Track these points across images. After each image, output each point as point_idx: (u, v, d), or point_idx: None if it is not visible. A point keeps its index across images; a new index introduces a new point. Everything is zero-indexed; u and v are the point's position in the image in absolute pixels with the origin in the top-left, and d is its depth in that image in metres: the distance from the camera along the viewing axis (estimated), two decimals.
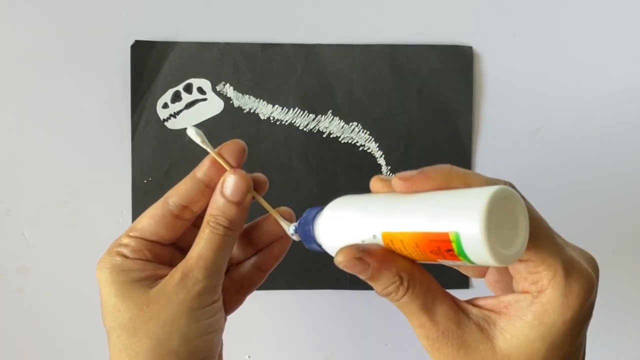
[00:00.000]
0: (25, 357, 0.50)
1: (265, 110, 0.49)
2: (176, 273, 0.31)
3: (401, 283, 0.27)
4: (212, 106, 0.49)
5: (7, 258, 0.49)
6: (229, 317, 0.36)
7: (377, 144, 0.49)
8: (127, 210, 0.49)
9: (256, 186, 0.34)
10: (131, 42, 0.49)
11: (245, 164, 0.49)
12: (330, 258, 0.50)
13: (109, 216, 0.49)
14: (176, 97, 0.49)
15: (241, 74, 0.49)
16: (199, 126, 0.49)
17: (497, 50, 0.50)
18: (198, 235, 0.32)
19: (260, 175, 0.35)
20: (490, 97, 0.50)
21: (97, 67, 0.49)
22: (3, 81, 0.49)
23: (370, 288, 0.50)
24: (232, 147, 0.33)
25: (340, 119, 0.49)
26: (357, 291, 0.50)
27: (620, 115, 0.50)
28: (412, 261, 0.27)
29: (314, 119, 0.49)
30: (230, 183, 0.33)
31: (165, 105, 0.49)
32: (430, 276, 0.28)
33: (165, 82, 0.49)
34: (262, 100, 0.49)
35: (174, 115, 0.49)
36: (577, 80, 0.50)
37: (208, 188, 0.33)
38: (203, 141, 0.33)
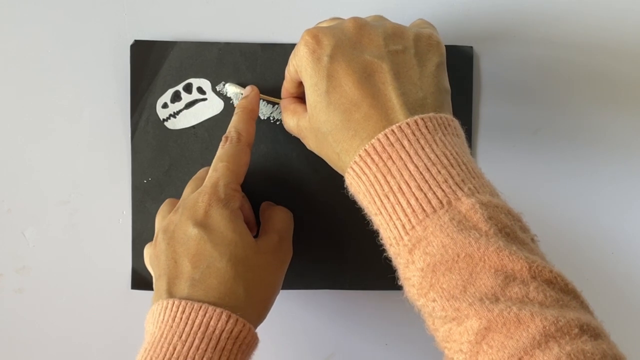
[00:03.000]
0: (25, 357, 0.50)
1: (265, 110, 0.49)
2: (273, 235, 0.43)
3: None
4: (212, 106, 0.49)
5: (7, 258, 0.49)
6: None
7: None
8: (127, 210, 0.49)
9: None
10: (131, 41, 0.49)
11: None
12: (330, 259, 0.50)
13: (109, 216, 0.49)
14: (176, 97, 0.49)
15: (241, 74, 0.49)
16: (199, 126, 0.49)
17: (497, 50, 0.50)
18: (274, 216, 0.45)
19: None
20: (490, 97, 0.50)
21: (96, 67, 0.49)
22: (2, 81, 0.49)
23: (370, 288, 0.51)
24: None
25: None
26: (357, 291, 0.50)
27: (621, 115, 0.50)
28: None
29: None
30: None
31: (165, 105, 0.49)
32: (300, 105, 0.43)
33: (165, 82, 0.49)
34: (262, 100, 0.49)
35: (174, 115, 0.49)
36: (578, 80, 0.50)
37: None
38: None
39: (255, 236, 0.44)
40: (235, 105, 0.49)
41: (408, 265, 0.35)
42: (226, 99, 0.49)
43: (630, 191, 0.51)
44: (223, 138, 0.44)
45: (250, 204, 0.46)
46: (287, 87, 0.44)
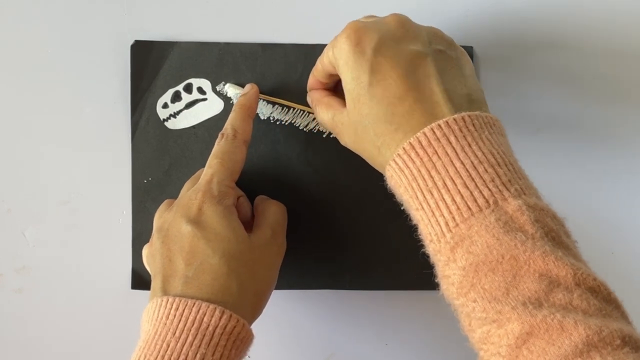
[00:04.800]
0: (25, 357, 0.50)
1: (265, 110, 0.49)
2: (266, 230, 0.43)
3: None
4: (212, 106, 0.49)
5: (7, 258, 0.49)
6: None
7: None
8: (127, 210, 0.49)
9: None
10: (131, 42, 0.49)
11: (245, 163, 0.49)
12: (330, 259, 0.50)
13: (109, 216, 0.49)
14: (176, 97, 0.49)
15: (241, 74, 0.49)
16: (199, 126, 0.49)
17: (498, 50, 0.50)
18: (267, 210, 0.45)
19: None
20: (490, 97, 0.50)
21: (96, 67, 0.49)
22: (2, 81, 0.49)
23: (370, 288, 0.51)
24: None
25: None
26: (357, 291, 0.50)
27: (621, 116, 0.50)
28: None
29: (314, 119, 0.49)
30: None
31: (165, 105, 0.49)
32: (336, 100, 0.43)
33: (165, 82, 0.49)
34: (262, 100, 0.49)
35: (174, 115, 0.49)
36: (578, 80, 0.50)
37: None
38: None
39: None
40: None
41: (449, 263, 0.34)
42: (226, 99, 0.49)
43: (631, 191, 0.50)
44: (219, 135, 0.44)
45: (249, 202, 0.46)
46: (317, 77, 0.44)
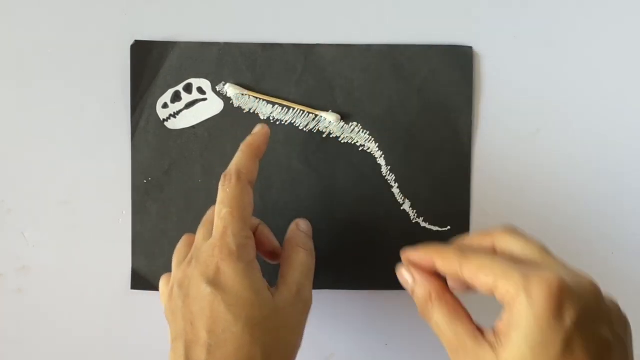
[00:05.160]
0: (26, 358, 0.50)
1: (265, 110, 0.49)
2: (292, 286, 0.40)
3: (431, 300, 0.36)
4: (212, 106, 0.49)
5: (7, 258, 0.49)
6: None
7: (377, 144, 0.49)
8: (127, 210, 0.49)
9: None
10: (131, 42, 0.49)
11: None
12: (331, 260, 0.50)
13: (109, 216, 0.49)
14: (176, 97, 0.49)
15: (241, 74, 0.49)
16: (199, 126, 0.49)
17: (498, 50, 0.50)
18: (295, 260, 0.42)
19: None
20: (490, 97, 0.50)
21: (96, 67, 0.49)
22: (2, 81, 0.49)
23: (370, 288, 0.50)
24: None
25: (340, 118, 0.49)
26: (357, 291, 0.50)
27: (621, 116, 0.50)
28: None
29: (313, 119, 0.49)
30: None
31: (165, 105, 0.49)
32: (458, 300, 0.36)
33: (165, 82, 0.49)
34: (261, 100, 0.49)
35: (174, 115, 0.49)
36: (578, 81, 0.50)
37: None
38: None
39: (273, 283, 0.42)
40: (235, 106, 0.49)
41: None
42: (226, 99, 0.49)
43: (631, 191, 0.50)
44: (222, 177, 0.41)
45: (269, 228, 0.44)
46: (445, 270, 0.36)
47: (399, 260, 0.49)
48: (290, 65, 0.49)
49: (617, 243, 0.50)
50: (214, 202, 0.49)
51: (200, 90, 0.49)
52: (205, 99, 0.49)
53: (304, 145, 0.49)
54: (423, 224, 0.50)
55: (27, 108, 0.49)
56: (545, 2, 0.50)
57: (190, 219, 0.49)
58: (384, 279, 0.50)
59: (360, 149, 0.49)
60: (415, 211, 0.50)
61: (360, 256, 0.49)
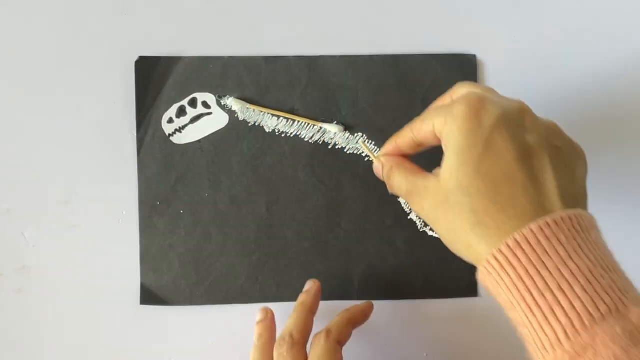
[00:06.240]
0: (25, 357, 0.50)
1: (270, 123, 0.49)
2: None
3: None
4: (217, 120, 0.49)
5: (7, 258, 0.49)
6: (226, 323, 0.49)
7: None
8: (127, 210, 0.49)
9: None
10: (135, 57, 0.49)
11: (251, 177, 0.49)
12: (338, 270, 0.50)
13: (109, 216, 0.49)
14: (181, 112, 0.49)
15: (245, 88, 0.49)
16: (205, 140, 0.49)
17: (501, 58, 0.50)
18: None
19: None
20: None
21: (101, 83, 0.49)
22: (8, 90, 0.49)
23: (377, 298, 0.50)
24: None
25: (345, 130, 0.49)
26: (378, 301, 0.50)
27: (621, 118, 0.50)
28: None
29: (319, 131, 0.49)
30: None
31: (170, 120, 0.49)
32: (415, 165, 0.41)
33: (170, 97, 0.49)
34: (267, 113, 0.49)
35: (180, 130, 0.49)
36: (582, 88, 0.50)
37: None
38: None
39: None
40: (240, 120, 0.49)
41: None
42: (231, 113, 0.49)
43: (631, 192, 0.50)
44: (278, 341, 0.43)
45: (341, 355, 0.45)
46: (401, 144, 0.41)
47: (407, 270, 0.49)
48: (295, 77, 0.49)
49: (617, 243, 0.50)
50: (221, 215, 0.50)
51: (205, 104, 0.49)
52: (210, 113, 0.49)
53: (310, 157, 0.49)
54: (430, 233, 0.50)
55: (31, 115, 0.49)
56: (549, 10, 0.50)
57: (197, 233, 0.49)
58: (393, 288, 0.50)
59: (366, 159, 0.49)
60: (421, 220, 0.50)
61: (368, 266, 0.49)
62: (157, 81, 0.49)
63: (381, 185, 0.50)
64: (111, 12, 0.49)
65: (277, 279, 0.49)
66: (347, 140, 0.49)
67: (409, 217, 0.50)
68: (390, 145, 0.42)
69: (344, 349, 0.44)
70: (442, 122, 0.37)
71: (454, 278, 0.49)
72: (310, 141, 0.49)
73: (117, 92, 0.49)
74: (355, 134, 0.49)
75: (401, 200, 0.49)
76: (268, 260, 0.49)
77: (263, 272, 0.49)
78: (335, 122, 0.49)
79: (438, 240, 0.49)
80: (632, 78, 0.50)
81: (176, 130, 0.49)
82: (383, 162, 0.43)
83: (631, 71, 0.50)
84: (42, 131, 0.49)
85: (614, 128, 0.50)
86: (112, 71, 0.49)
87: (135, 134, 0.49)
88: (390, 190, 0.42)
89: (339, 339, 0.43)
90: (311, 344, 0.43)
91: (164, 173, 0.49)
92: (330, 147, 0.49)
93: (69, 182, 0.49)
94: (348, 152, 0.49)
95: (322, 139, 0.49)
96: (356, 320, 0.46)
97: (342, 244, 0.49)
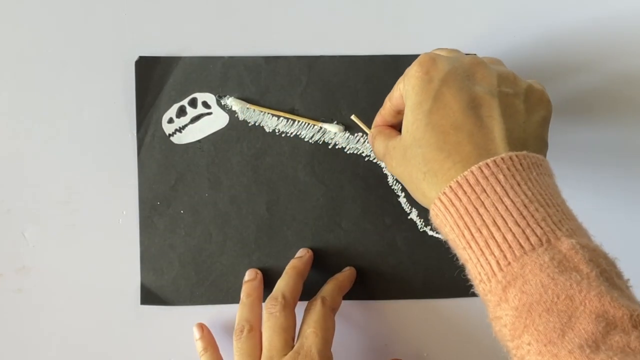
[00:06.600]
0: (25, 357, 0.50)
1: (270, 123, 0.49)
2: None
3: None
4: (217, 120, 0.49)
5: (7, 258, 0.49)
6: (226, 323, 0.50)
7: None
8: (127, 210, 0.49)
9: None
10: (135, 57, 0.49)
11: (251, 177, 0.49)
12: (339, 270, 0.50)
13: (109, 216, 0.49)
14: (181, 112, 0.49)
15: (245, 87, 0.49)
16: (205, 140, 0.49)
17: (500, 56, 0.50)
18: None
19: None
20: None
21: (101, 84, 0.49)
22: (8, 92, 0.49)
23: (379, 298, 0.50)
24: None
25: (345, 129, 0.49)
26: (373, 301, 0.50)
27: (621, 117, 0.50)
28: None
29: (319, 131, 0.49)
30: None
31: (170, 120, 0.49)
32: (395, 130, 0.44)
33: (170, 97, 0.49)
34: (266, 113, 0.49)
35: (180, 129, 0.49)
36: (581, 86, 0.50)
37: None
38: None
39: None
40: (240, 119, 0.49)
41: (500, 304, 0.33)
42: (231, 113, 0.49)
43: (632, 192, 0.50)
44: (268, 299, 0.45)
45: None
46: (385, 115, 0.44)
47: (408, 269, 0.49)
48: (295, 77, 0.49)
49: (617, 244, 0.50)
50: (221, 215, 0.50)
51: (205, 104, 0.49)
52: (210, 113, 0.49)
53: (310, 157, 0.49)
54: (430, 233, 0.50)
55: (31, 115, 0.49)
56: (549, 10, 0.50)
57: (197, 233, 0.49)
58: (393, 288, 0.50)
59: (366, 159, 0.49)
60: (422, 220, 0.50)
61: (368, 266, 0.49)
62: (157, 81, 0.49)
63: (381, 185, 0.50)
64: (111, 12, 0.49)
65: (277, 278, 0.49)
66: (347, 140, 0.49)
67: (409, 217, 0.50)
68: (378, 117, 0.45)
69: (344, 349, 0.45)
70: (403, 87, 0.40)
71: (454, 278, 0.49)
72: (310, 141, 0.49)
73: (117, 92, 0.49)
74: (356, 134, 0.49)
75: (401, 200, 0.49)
76: (268, 260, 0.49)
77: (263, 272, 0.49)
78: (335, 122, 0.49)
79: (438, 240, 0.49)
80: (632, 78, 0.50)
81: (176, 130, 0.49)
82: (370, 132, 0.45)
83: (631, 71, 0.50)
84: (42, 131, 0.49)
85: (614, 128, 0.50)
86: (112, 71, 0.49)
87: (135, 134, 0.49)
88: (376, 156, 0.46)
89: (332, 307, 0.46)
90: (306, 310, 0.45)
91: (164, 173, 0.49)
92: (330, 147, 0.49)
93: (69, 182, 0.49)
94: (348, 152, 0.49)
95: (322, 139, 0.49)
96: (345, 287, 0.48)
97: (342, 243, 0.49)
